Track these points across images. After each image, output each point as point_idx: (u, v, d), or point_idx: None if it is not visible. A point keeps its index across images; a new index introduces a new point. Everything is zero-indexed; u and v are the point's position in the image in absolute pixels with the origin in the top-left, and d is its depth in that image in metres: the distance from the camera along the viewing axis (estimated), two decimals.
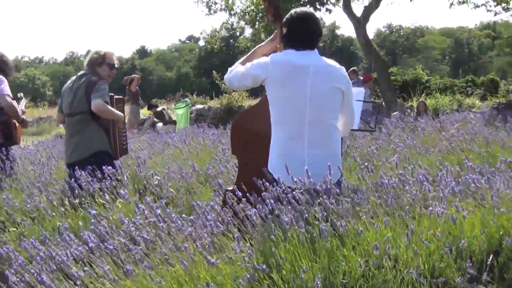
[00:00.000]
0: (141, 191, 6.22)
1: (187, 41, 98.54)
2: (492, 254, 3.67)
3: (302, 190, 3.87)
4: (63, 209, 5.28)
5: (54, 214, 5.18)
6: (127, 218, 3.77)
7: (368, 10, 19.65)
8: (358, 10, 20.26)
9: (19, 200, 5.68)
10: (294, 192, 3.85)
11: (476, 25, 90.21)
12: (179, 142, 9.05)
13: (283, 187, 3.91)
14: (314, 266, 3.44)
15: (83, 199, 5.40)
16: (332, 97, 4.28)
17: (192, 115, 22.19)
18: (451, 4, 20.82)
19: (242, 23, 21.60)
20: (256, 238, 3.77)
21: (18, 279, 3.41)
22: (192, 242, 3.59)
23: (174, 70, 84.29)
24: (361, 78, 18.20)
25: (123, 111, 6.61)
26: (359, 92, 6.10)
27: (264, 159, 4.36)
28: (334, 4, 20.05)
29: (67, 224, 4.00)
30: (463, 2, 20.67)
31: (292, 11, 4.38)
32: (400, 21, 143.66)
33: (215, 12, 21.47)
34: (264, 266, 3.27)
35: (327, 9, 20.00)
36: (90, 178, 5.50)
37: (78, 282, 3.38)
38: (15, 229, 5.07)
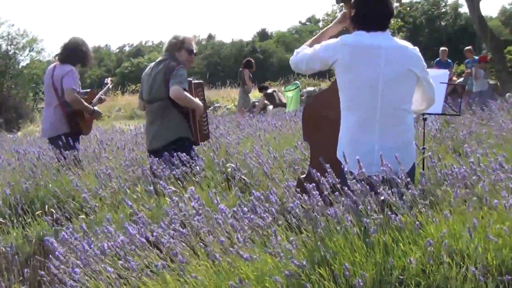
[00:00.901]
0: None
1: (307, 23, 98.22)
2: None
3: (360, 179, 3.67)
4: (135, 196, 5.27)
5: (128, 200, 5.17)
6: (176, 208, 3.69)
7: None
8: None
9: (91, 185, 5.71)
10: (349, 182, 3.65)
11: None
12: (269, 126, 8.94)
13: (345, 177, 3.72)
14: (368, 261, 3.26)
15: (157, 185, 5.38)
16: (405, 80, 4.03)
17: (303, 97, 22.05)
18: None
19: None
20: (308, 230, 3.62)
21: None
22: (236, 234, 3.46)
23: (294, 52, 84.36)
24: (476, 58, 17.55)
25: (203, 96, 6.54)
26: (443, 74, 5.77)
27: (335, 146, 4.19)
28: None
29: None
30: None
31: None
32: None
33: None
34: (304, 262, 3.11)
35: None
36: (163, 166, 5.47)
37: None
38: (84, 216, 5.09)
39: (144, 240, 3.32)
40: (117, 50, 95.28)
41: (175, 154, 5.57)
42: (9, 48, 33.33)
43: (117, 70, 73.80)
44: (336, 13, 20.76)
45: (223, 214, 3.49)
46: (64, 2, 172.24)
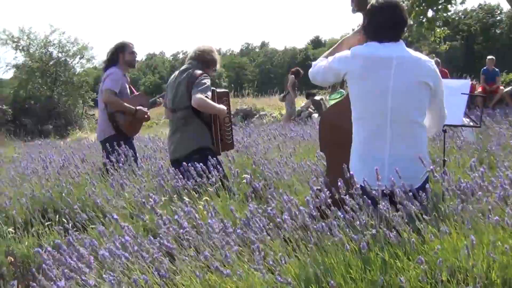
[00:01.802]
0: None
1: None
2: None
3: (362, 193, 3.60)
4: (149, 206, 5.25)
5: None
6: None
7: None
8: None
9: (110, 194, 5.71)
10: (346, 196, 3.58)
11: None
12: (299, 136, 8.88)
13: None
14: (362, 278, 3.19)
15: (174, 195, 5.36)
16: (417, 92, 3.92)
17: None
18: None
19: None
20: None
21: None
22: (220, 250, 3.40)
23: None
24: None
25: (228, 105, 6.50)
26: (464, 85, 5.61)
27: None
28: None
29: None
30: None
31: (374, 0, 4.03)
32: None
33: None
34: (289, 279, 3.04)
35: None
36: (177, 176, 5.45)
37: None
38: (94, 226, 5.08)
39: (123, 253, 3.26)
40: (171, 57, 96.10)
41: (192, 164, 5.52)
42: (60, 55, 34.02)
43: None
44: None
45: (210, 229, 3.43)
46: (119, 11, 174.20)
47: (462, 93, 5.42)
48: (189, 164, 5.52)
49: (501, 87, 17.61)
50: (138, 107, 7.24)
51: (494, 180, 3.90)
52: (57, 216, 5.53)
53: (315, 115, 19.39)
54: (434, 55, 20.58)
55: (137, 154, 7.46)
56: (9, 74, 35.82)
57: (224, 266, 3.26)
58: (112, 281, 3.16)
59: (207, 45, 6.43)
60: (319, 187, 4.51)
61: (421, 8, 18.75)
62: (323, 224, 3.43)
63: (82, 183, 6.68)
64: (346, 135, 4.19)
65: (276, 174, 6.00)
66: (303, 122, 15.63)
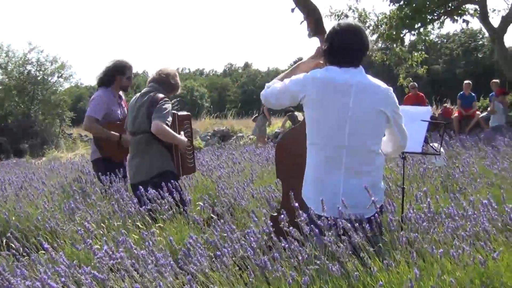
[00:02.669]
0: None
1: None
2: None
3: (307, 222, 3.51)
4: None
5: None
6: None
7: (506, 22, 18.47)
8: (496, 21, 19.16)
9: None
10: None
11: None
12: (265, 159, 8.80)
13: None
14: None
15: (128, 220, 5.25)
16: (375, 120, 3.84)
17: None
18: None
19: (374, 36, 20.89)
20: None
21: None
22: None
23: None
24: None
25: (190, 129, 6.38)
26: (425, 112, 5.54)
27: None
28: (472, 15, 19.02)
29: None
30: None
31: (335, 23, 3.95)
32: None
33: None
34: None
35: (464, 20, 19.02)
36: (131, 201, 5.34)
37: None
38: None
39: (52, 284, 3.13)
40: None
41: (149, 188, 5.41)
42: (37, 73, 33.83)
43: None
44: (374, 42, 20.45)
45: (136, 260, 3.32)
46: (101, 30, 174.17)
47: (422, 120, 5.34)
48: (148, 189, 5.39)
49: (478, 112, 17.63)
50: (124, 134, 6.88)
51: (448, 209, 3.84)
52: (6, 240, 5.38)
53: None
54: (410, 79, 20.64)
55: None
56: None
57: None
58: None
59: (171, 68, 6.28)
60: (275, 214, 4.45)
61: (398, 32, 18.77)
62: (264, 259, 3.32)
63: (39, 205, 6.52)
64: (302, 162, 4.08)
65: (234, 199, 5.89)
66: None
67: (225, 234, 3.86)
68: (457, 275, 3.28)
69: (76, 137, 30.34)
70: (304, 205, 3.86)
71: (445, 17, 19.17)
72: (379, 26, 20.18)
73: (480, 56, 62.89)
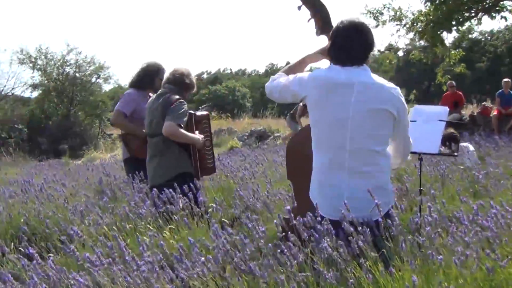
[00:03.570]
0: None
1: (385, 51, 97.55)
2: None
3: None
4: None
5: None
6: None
7: None
8: None
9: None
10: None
11: None
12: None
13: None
14: None
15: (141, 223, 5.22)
16: (378, 120, 3.69)
17: None
18: None
19: (411, 34, 20.63)
20: None
21: None
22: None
23: None
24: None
25: (208, 128, 6.30)
26: (442, 112, 5.38)
27: None
28: (511, 11, 18.63)
29: None
30: None
31: (339, 20, 3.82)
32: None
33: (383, 23, 20.74)
34: None
35: (502, 17, 18.63)
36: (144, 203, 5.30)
37: None
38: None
39: None
40: (195, 78, 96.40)
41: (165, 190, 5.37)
42: (76, 75, 34.18)
43: (195, 97, 74.54)
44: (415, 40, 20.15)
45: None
46: (142, 31, 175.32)
47: (439, 120, 5.20)
48: (163, 190, 5.36)
49: None
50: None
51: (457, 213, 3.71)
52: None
53: None
54: (449, 76, 20.32)
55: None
56: (26, 94, 36.08)
57: None
58: None
59: (185, 68, 6.20)
60: (286, 216, 4.37)
61: (433, 31, 18.51)
62: (251, 265, 3.24)
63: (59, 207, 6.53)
64: (311, 163, 3.98)
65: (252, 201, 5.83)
66: None
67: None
68: (460, 282, 3.15)
69: (115, 138, 30.50)
70: (313, 207, 3.75)
71: (483, 14, 18.80)
72: (415, 24, 19.91)
73: None
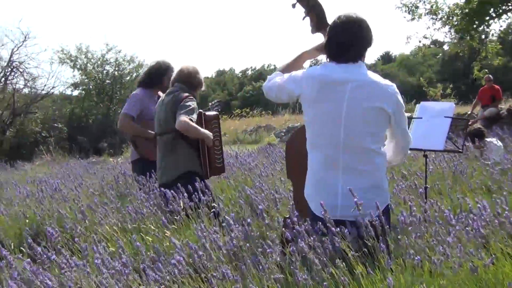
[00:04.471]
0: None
1: (431, 46, 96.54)
2: None
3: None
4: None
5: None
6: None
7: None
8: None
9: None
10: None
11: None
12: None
13: None
14: None
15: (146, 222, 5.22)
16: (372, 118, 3.63)
17: None
18: None
19: (447, 28, 20.33)
20: None
21: None
22: None
23: (417, 75, 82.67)
24: None
25: (218, 128, 6.28)
26: (448, 108, 5.27)
27: None
28: None
29: None
30: None
31: (337, 16, 3.75)
32: None
33: (419, 17, 20.50)
34: None
35: None
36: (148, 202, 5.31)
37: None
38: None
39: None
40: (240, 74, 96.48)
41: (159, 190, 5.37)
42: (116, 73, 34.47)
43: (239, 93, 74.56)
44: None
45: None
46: (188, 28, 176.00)
47: (445, 116, 5.10)
48: (165, 190, 5.35)
49: None
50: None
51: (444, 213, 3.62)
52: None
53: None
54: (486, 70, 20.00)
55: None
56: (66, 92, 36.53)
57: None
58: None
59: (192, 66, 6.20)
60: (288, 216, 4.35)
61: (467, 24, 18.23)
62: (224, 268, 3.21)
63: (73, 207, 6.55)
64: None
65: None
66: None
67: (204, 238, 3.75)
68: (441, 283, 3.08)
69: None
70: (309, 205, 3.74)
71: None
72: (451, 17, 19.62)
73: None
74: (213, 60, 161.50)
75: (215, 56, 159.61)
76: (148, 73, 7.07)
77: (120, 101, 33.77)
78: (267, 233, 3.95)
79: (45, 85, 33.54)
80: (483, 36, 20.35)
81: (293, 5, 4.57)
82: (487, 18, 18.36)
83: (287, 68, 4.08)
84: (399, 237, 3.53)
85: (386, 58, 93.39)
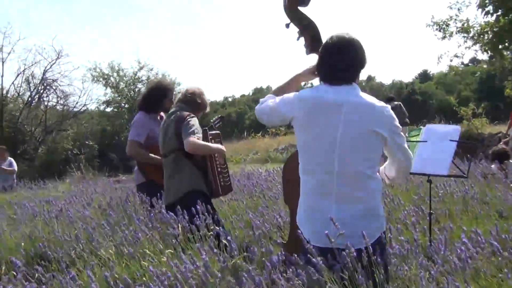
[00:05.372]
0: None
1: (469, 64, 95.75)
2: None
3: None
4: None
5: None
6: None
7: None
8: None
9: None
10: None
11: None
12: None
13: None
14: None
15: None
16: (368, 142, 3.49)
17: None
18: None
19: (477, 46, 20.05)
20: None
21: None
22: None
23: (455, 94, 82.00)
24: None
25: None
26: (453, 131, 5.09)
27: None
28: None
29: None
30: None
31: (329, 36, 3.62)
32: None
33: (450, 35, 20.29)
34: None
35: None
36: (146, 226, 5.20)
37: None
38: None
39: None
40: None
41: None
42: None
43: None
44: None
45: None
46: (223, 46, 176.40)
47: (450, 140, 4.93)
48: (168, 212, 5.26)
49: None
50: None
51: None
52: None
53: None
54: None
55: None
56: (98, 110, 36.92)
57: None
58: None
59: (197, 87, 6.14)
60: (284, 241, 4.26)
61: (496, 43, 17.99)
62: None
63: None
64: None
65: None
66: None
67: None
68: None
69: None
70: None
71: None
72: (481, 36, 19.36)
73: None
74: (251, 78, 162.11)
75: (242, 74, 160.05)
76: (146, 97, 7.00)
77: None
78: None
79: (77, 103, 33.94)
80: None
81: (287, 25, 4.46)
82: None
83: (279, 92, 3.95)
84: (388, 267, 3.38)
85: (424, 77, 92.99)
